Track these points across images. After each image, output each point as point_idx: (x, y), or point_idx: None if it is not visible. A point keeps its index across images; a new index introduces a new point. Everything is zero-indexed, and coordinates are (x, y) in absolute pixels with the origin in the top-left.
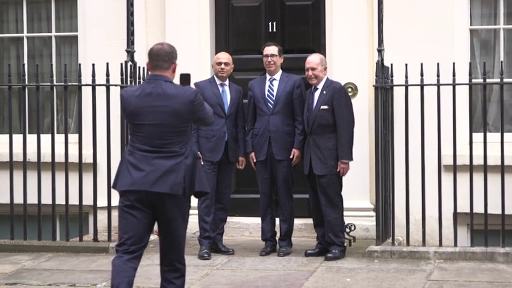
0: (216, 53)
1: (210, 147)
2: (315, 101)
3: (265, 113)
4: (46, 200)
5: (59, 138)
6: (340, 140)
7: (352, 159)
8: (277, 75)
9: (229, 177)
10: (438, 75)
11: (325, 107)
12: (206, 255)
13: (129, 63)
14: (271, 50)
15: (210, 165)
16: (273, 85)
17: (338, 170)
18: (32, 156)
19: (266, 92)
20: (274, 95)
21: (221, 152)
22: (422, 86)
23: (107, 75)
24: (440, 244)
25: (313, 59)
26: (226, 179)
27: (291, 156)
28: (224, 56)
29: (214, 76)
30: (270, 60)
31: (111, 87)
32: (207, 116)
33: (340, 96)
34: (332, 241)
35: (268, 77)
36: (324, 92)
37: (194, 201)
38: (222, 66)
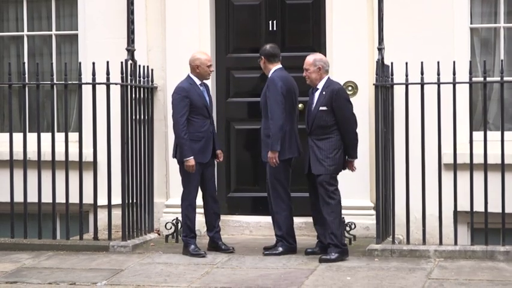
0: (216, 52)
1: (199, 149)
2: (314, 102)
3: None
4: (46, 198)
5: (59, 136)
6: (344, 141)
7: (356, 158)
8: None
9: (212, 169)
10: (438, 74)
11: (324, 108)
12: (203, 252)
13: (130, 61)
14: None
15: (198, 166)
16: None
17: (336, 168)
18: (32, 154)
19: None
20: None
21: (210, 153)
22: (422, 84)
23: (107, 73)
24: (441, 243)
25: (307, 59)
26: (209, 172)
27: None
28: (209, 57)
29: (193, 77)
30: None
31: (111, 85)
32: None
33: (339, 98)
34: (332, 241)
35: None
36: (324, 93)
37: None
38: (212, 68)
